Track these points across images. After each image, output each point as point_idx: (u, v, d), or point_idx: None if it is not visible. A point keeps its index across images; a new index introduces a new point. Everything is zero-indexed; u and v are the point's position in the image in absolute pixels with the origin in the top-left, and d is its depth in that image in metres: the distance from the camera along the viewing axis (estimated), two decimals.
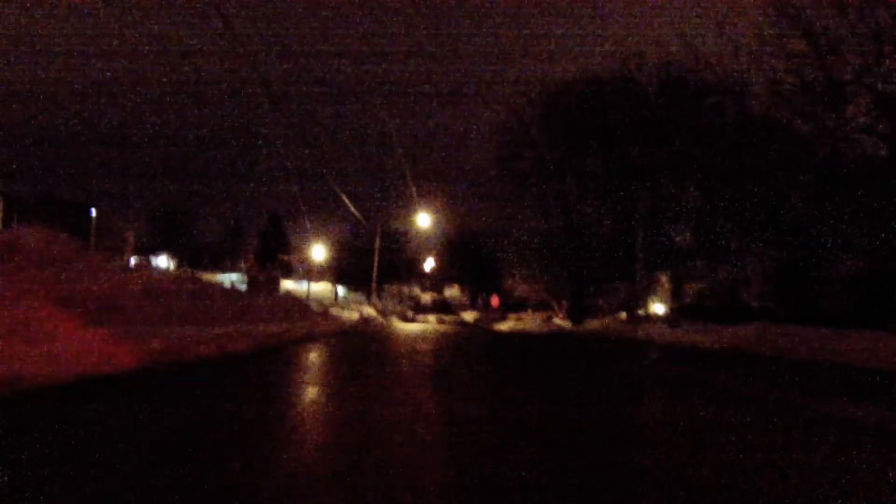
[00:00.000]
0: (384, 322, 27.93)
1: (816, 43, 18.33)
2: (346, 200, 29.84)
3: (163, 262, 49.15)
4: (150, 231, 55.97)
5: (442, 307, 48.04)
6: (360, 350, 8.70)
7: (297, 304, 19.40)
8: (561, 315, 33.64)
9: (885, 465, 2.89)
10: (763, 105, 21.18)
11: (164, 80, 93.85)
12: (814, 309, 21.40)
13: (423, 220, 36.34)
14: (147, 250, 51.43)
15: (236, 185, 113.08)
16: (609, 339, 18.10)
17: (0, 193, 38.78)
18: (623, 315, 29.10)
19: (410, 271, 61.88)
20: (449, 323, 33.80)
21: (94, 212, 39.54)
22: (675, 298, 25.98)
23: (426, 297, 51.32)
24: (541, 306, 40.08)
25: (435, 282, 64.56)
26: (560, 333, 22.92)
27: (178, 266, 51.40)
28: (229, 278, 41.17)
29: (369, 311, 31.47)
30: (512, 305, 46.34)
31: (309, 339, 10.76)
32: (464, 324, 36.11)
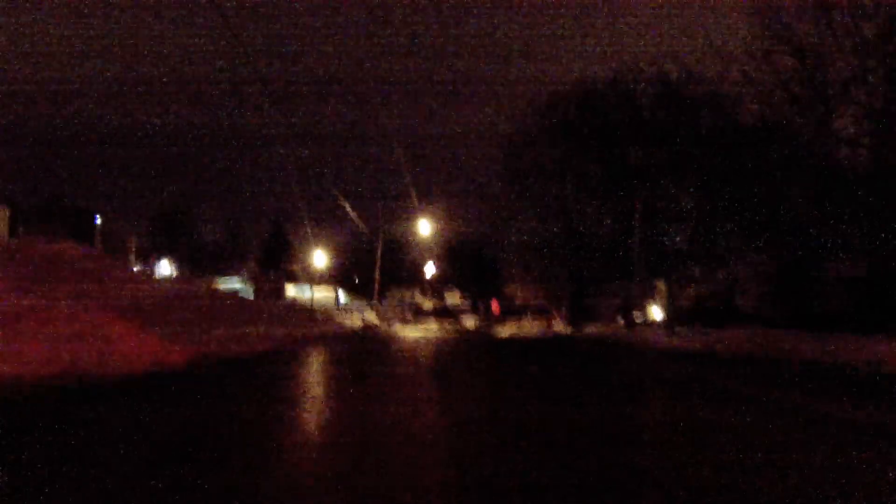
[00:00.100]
0: (386, 327, 28.70)
1: (803, 58, 19.18)
2: (349, 209, 30.69)
3: (165, 267, 49.88)
4: (150, 233, 56.67)
5: (443, 313, 48.68)
6: (365, 353, 9.47)
7: (303, 310, 20.23)
8: (560, 320, 34.38)
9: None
10: (754, 116, 21.99)
11: (165, 79, 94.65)
12: (809, 312, 22.10)
13: (424, 227, 37.13)
14: (148, 254, 52.14)
15: (236, 187, 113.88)
16: (606, 344, 18.81)
17: (6, 201, 39.58)
18: (621, 320, 29.86)
19: (411, 277, 62.59)
20: (449, 329, 34.52)
21: (98, 218, 40.40)
22: (671, 304, 26.74)
23: (427, 303, 51.92)
24: (540, 312, 40.81)
25: (436, 287, 65.24)
26: (558, 338, 23.65)
27: (180, 271, 52.12)
28: (232, 284, 41.97)
29: (371, 316, 32.24)
30: (512, 311, 47.01)
31: (317, 342, 11.55)
32: (464, 329, 36.82)
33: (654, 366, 9.66)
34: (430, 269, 61.98)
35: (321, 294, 49.96)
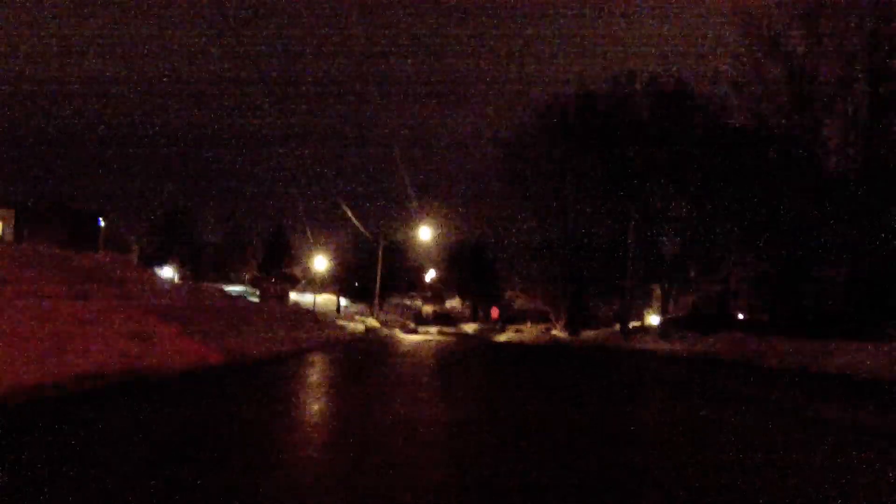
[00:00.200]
0: (387, 332, 29.46)
1: (791, 66, 20.05)
2: (351, 215, 31.48)
3: (167, 272, 50.60)
4: (152, 235, 57.37)
5: (443, 319, 49.50)
6: (371, 357, 10.24)
7: (308, 316, 20.99)
8: (558, 326, 35.16)
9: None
10: (745, 120, 22.76)
11: (165, 79, 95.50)
12: (799, 317, 22.77)
13: (424, 233, 37.90)
14: (150, 257, 52.84)
15: (236, 187, 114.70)
16: (602, 349, 19.59)
17: (13, 204, 40.34)
18: (618, 326, 30.64)
19: (412, 282, 63.36)
20: (449, 334, 35.27)
21: (101, 221, 41.17)
22: (665, 310, 27.50)
23: (427, 309, 52.86)
24: (539, 318, 41.68)
25: (436, 293, 66.08)
26: (556, 344, 24.42)
27: (181, 275, 52.82)
28: (234, 288, 42.70)
29: (373, 322, 33.00)
30: (511, 317, 47.91)
31: (327, 346, 12.34)
32: (464, 335, 37.58)
33: (647, 369, 10.41)
34: (430, 275, 62.92)
35: (322, 298, 50.77)
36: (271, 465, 2.59)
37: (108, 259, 8.97)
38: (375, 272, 37.96)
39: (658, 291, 33.54)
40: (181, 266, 55.64)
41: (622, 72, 30.37)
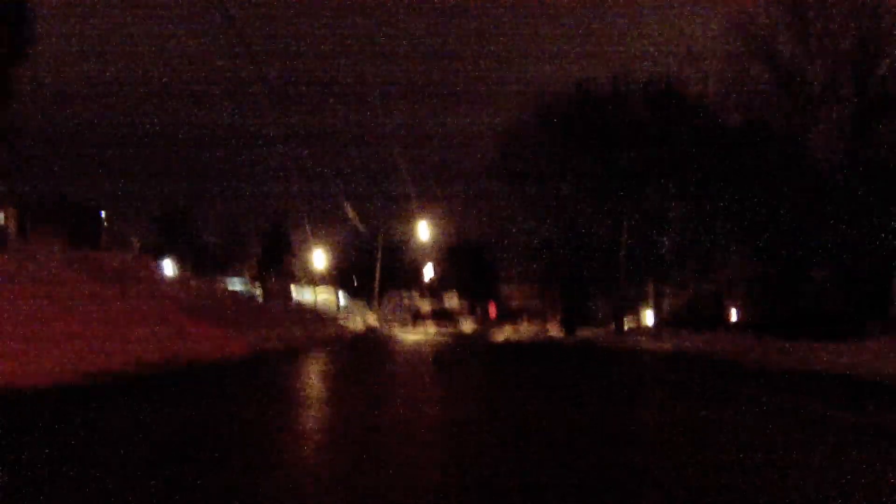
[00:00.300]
0: (387, 330, 30.36)
1: (779, 69, 20.87)
2: (351, 213, 32.30)
3: (168, 267, 51.31)
4: (152, 231, 58.08)
5: (441, 316, 50.27)
6: (374, 353, 11.11)
7: (310, 313, 21.90)
8: (555, 325, 36.04)
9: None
10: (737, 121, 23.51)
11: (165, 79, 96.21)
12: (789, 318, 23.60)
13: (423, 231, 38.71)
14: (150, 253, 53.56)
15: (236, 187, 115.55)
16: (594, 348, 20.44)
17: (16, 201, 41.02)
18: (613, 325, 31.51)
19: (410, 279, 64.15)
20: (447, 332, 36.11)
21: (104, 216, 41.91)
22: (659, 309, 28.35)
23: (425, 306, 53.56)
24: (536, 316, 42.59)
25: (434, 290, 66.88)
26: (551, 342, 25.29)
27: (182, 272, 53.54)
28: (234, 286, 43.48)
29: (372, 319, 33.87)
30: (508, 315, 48.84)
31: (329, 342, 13.22)
32: (461, 333, 38.42)
33: (632, 367, 11.25)
34: (428, 272, 63.74)
35: (321, 296, 51.59)
36: (303, 432, 3.43)
37: (130, 258, 9.82)
38: (374, 270, 38.80)
39: (652, 290, 34.36)
40: (181, 262, 56.42)
41: (619, 72, 31.14)
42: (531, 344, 22.19)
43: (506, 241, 36.54)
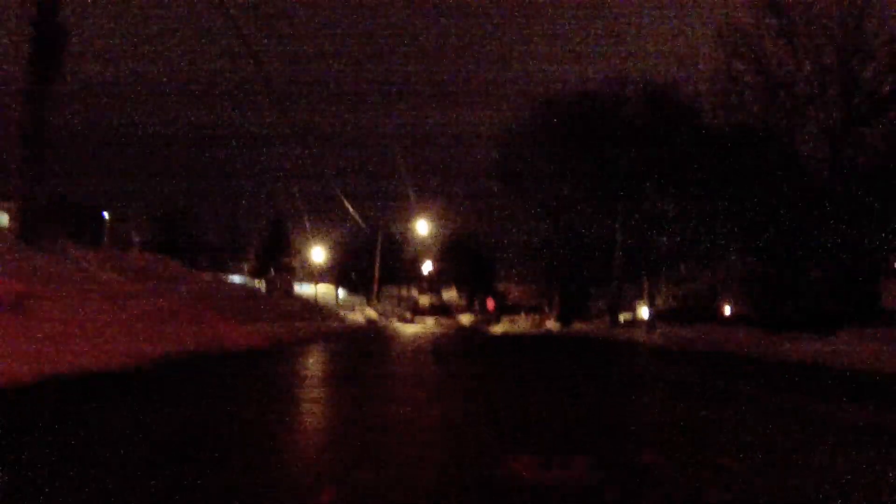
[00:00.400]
0: (386, 324, 31.23)
1: (767, 77, 21.73)
2: (350, 208, 33.15)
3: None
4: (152, 229, 58.92)
5: (439, 310, 51.17)
6: (377, 344, 11.95)
7: (313, 307, 22.73)
8: (552, 318, 36.96)
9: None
10: (727, 125, 24.35)
11: (164, 79, 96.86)
12: (784, 313, 24.50)
13: (422, 227, 39.57)
14: (151, 250, 54.52)
15: (236, 185, 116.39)
16: (589, 340, 21.32)
17: (14, 198, 41.76)
18: (608, 319, 32.46)
19: (409, 273, 65.07)
20: (446, 325, 37.00)
21: (106, 216, 42.79)
22: (652, 304, 29.24)
23: (424, 300, 54.47)
24: (533, 310, 43.51)
25: (433, 284, 67.76)
26: (548, 335, 26.18)
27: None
28: (235, 280, 44.34)
29: (371, 313, 34.75)
30: (506, 308, 49.79)
31: (334, 335, 14.06)
32: (460, 326, 39.32)
33: (618, 356, 12.10)
34: (427, 267, 64.66)
35: (320, 290, 52.51)
36: (330, 405, 4.29)
37: (151, 258, 10.66)
38: (373, 264, 39.66)
39: (647, 286, 35.25)
40: (181, 260, 57.23)
41: (616, 74, 32.07)
42: (527, 336, 23.09)
43: (505, 239, 37.55)
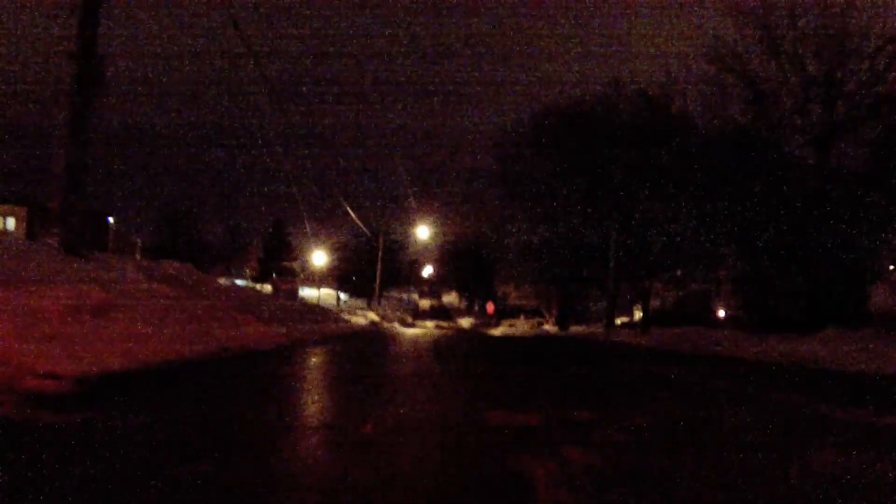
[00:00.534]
0: (388, 326, 32.48)
1: (752, 89, 23.00)
2: (354, 216, 34.42)
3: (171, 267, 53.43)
4: (154, 233, 60.28)
5: (440, 313, 52.46)
6: (383, 345, 13.19)
7: (317, 309, 23.99)
8: (550, 321, 38.24)
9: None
10: (715, 133, 25.59)
11: (164, 80, 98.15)
12: (773, 316, 25.65)
13: (422, 232, 40.82)
14: (153, 253, 55.75)
15: (237, 187, 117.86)
16: (581, 341, 22.59)
17: (25, 203, 43.17)
18: (605, 322, 33.72)
19: (409, 277, 66.33)
20: (446, 328, 38.23)
21: (111, 220, 44.14)
22: (647, 306, 30.44)
23: (424, 304, 55.78)
24: (532, 313, 44.83)
25: (433, 288, 69.05)
26: (544, 337, 27.48)
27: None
28: (238, 284, 45.57)
29: (373, 316, 36.01)
30: (506, 312, 51.09)
31: (341, 336, 15.31)
32: (460, 329, 40.56)
33: (597, 355, 13.34)
34: (427, 270, 66.00)
35: (323, 293, 53.81)
36: (348, 395, 5.55)
37: (179, 267, 11.94)
38: (373, 267, 40.90)
39: (649, 289, 36.46)
40: (182, 262, 58.43)
41: (610, 79, 33.26)
42: (524, 338, 24.38)
43: (504, 242, 38.71)
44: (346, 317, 31.02)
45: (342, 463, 2.63)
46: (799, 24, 22.21)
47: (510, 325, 41.60)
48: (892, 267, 23.99)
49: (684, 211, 29.17)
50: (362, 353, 9.32)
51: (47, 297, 5.50)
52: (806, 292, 24.90)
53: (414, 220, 41.84)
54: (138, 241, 54.97)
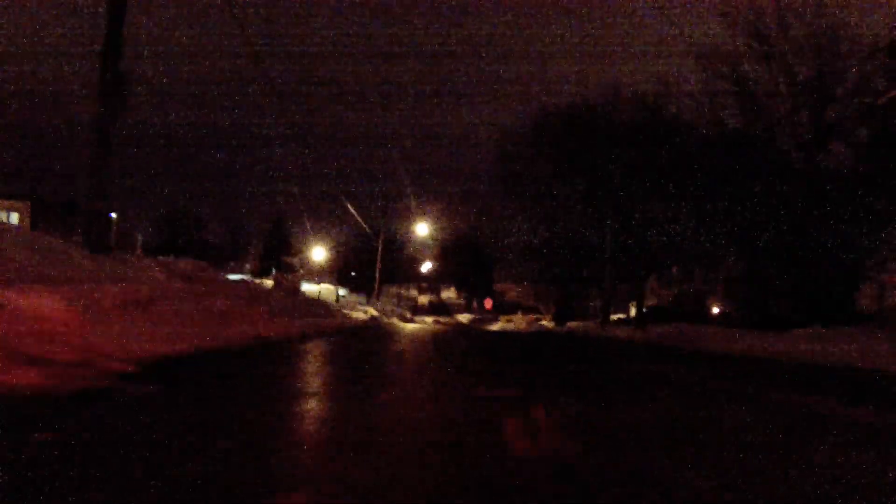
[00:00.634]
0: (388, 322, 33.42)
1: (745, 97, 23.95)
2: (355, 213, 35.35)
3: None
4: (155, 230, 61.20)
5: (438, 309, 53.43)
6: (384, 339, 14.16)
7: (320, 305, 24.94)
8: (547, 317, 39.27)
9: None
10: (709, 138, 26.51)
11: (165, 80, 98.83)
12: (761, 313, 26.62)
13: (422, 229, 41.76)
14: (153, 250, 56.76)
15: (238, 185, 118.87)
16: (575, 336, 23.57)
17: (28, 199, 44.05)
18: (600, 318, 34.77)
19: (408, 273, 67.30)
20: (445, 323, 39.18)
21: (114, 216, 44.94)
22: (642, 303, 31.43)
23: (423, 300, 56.76)
24: (530, 309, 45.87)
25: (432, 284, 70.06)
26: (542, 332, 28.46)
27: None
28: (237, 279, 46.46)
29: (373, 311, 36.96)
30: (504, 308, 52.15)
31: (344, 330, 16.29)
32: (458, 324, 41.53)
33: (585, 348, 14.32)
34: (426, 266, 66.96)
35: (323, 288, 54.77)
36: (366, 365, 6.53)
37: (194, 264, 12.91)
38: (373, 263, 41.83)
39: (646, 287, 37.47)
40: (184, 257, 59.33)
41: (608, 80, 34.19)
42: (520, 333, 25.37)
43: (504, 242, 39.68)
44: (346, 312, 31.95)
45: (369, 416, 3.74)
46: (790, 33, 23.13)
47: (508, 321, 42.61)
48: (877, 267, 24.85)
49: (684, 211, 30.09)
50: (369, 344, 10.48)
51: (100, 293, 6.48)
52: (801, 291, 25.81)
53: (413, 217, 42.76)
54: (139, 238, 55.92)
